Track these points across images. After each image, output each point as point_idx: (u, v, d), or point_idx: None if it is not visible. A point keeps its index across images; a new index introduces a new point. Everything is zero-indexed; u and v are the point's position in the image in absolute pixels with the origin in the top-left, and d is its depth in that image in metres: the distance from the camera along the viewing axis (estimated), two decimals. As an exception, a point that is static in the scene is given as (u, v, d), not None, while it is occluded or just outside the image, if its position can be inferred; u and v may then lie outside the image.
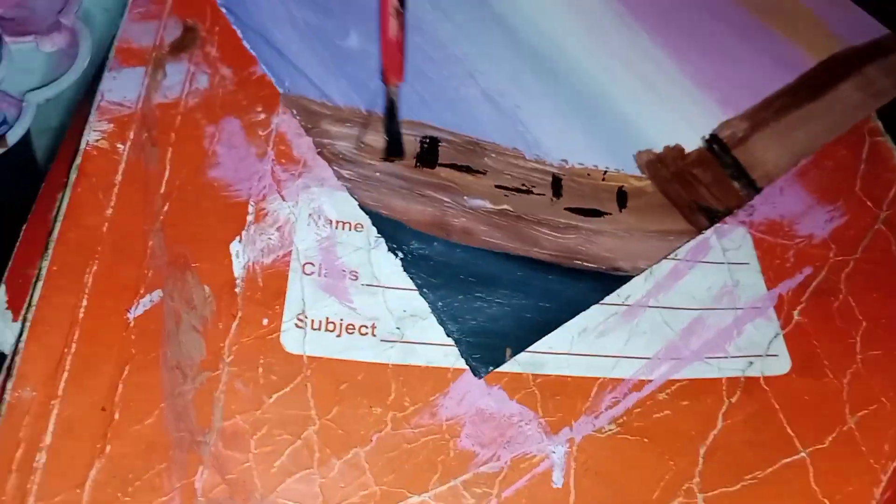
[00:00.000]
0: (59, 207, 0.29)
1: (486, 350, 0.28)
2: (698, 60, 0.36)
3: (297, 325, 0.27)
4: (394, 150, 0.31)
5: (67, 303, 0.27)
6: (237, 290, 0.28)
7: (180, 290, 0.28)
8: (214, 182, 0.30)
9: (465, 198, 0.31)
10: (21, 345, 0.26)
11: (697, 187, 0.32)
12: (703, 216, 0.32)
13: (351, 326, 0.28)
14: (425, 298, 0.28)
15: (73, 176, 0.29)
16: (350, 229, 0.30)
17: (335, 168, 0.30)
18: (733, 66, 0.36)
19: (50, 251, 0.28)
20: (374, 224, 0.30)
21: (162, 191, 0.29)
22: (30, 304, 0.27)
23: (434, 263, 0.29)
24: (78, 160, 0.30)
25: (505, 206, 0.31)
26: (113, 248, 0.28)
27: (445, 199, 0.30)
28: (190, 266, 0.28)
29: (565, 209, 0.31)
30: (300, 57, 0.33)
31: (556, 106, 0.34)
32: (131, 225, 0.29)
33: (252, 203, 0.30)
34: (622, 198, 0.32)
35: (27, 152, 0.35)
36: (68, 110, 0.35)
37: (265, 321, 0.27)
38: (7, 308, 0.29)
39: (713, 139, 0.34)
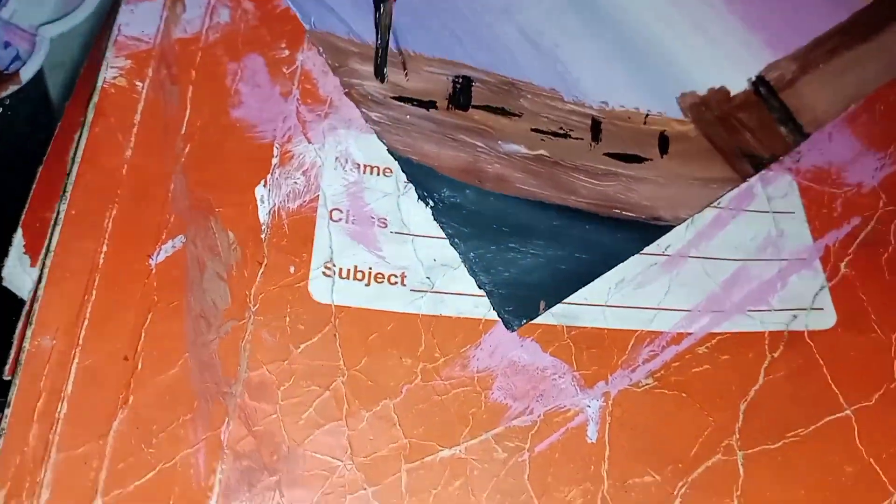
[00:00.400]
0: (77, 148, 0.28)
1: (518, 302, 0.27)
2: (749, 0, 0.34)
3: (324, 274, 0.26)
4: (379, 68, 0.29)
5: (87, 248, 0.26)
6: (262, 236, 0.27)
7: (203, 235, 0.27)
8: (237, 123, 0.29)
9: (500, 142, 0.29)
10: (40, 291, 0.25)
11: (742, 132, 0.31)
12: (748, 163, 0.30)
13: (380, 276, 0.27)
14: (456, 249, 0.27)
15: (90, 115, 0.28)
16: (378, 174, 0.29)
17: (363, 110, 0.29)
18: (783, 3, 0.34)
19: (68, 194, 0.27)
20: (403, 170, 0.28)
21: (183, 132, 0.28)
22: (48, 250, 0.26)
23: (466, 212, 0.28)
24: (95, 98, 0.28)
25: (541, 152, 0.29)
26: (133, 192, 0.27)
27: (479, 143, 0.29)
28: (213, 211, 0.27)
29: (604, 154, 0.30)
30: None
31: (597, 44, 0.32)
32: (151, 167, 0.28)
33: (277, 145, 0.28)
34: (664, 143, 0.30)
35: (41, 90, 0.33)
36: (83, 45, 0.34)
37: (292, 269, 0.26)
38: (25, 252, 0.28)
39: (760, 81, 0.32)
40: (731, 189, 0.30)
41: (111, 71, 0.29)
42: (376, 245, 0.27)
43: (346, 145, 0.29)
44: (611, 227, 0.28)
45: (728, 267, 0.29)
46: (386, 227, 0.28)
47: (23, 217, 0.29)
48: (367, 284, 0.27)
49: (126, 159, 0.28)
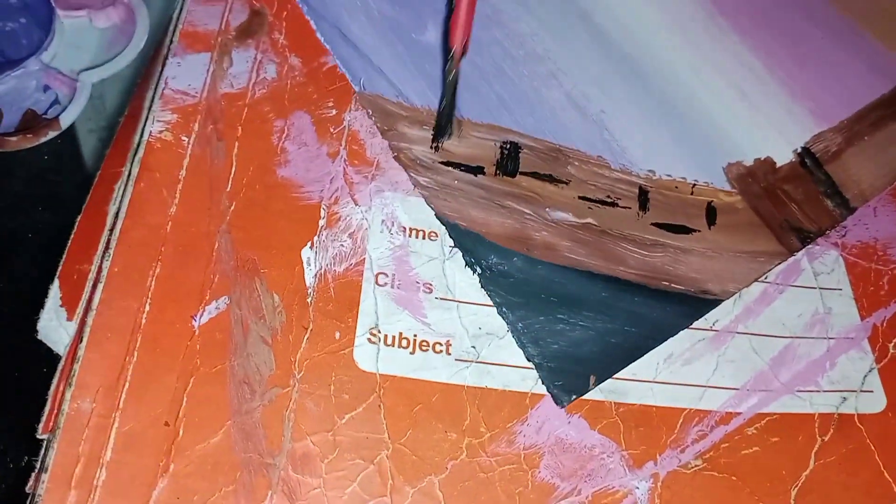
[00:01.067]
0: (120, 203, 0.27)
1: (568, 377, 0.26)
2: (791, 66, 0.34)
3: (369, 341, 0.26)
4: (442, 127, 0.29)
5: (129, 307, 0.25)
6: (308, 300, 0.26)
7: (248, 297, 0.26)
8: (284, 182, 0.28)
9: (548, 210, 0.29)
10: (80, 352, 0.25)
11: (788, 205, 0.31)
12: (795, 237, 0.30)
13: (425, 343, 0.26)
14: (504, 318, 0.27)
15: (134, 169, 0.28)
16: (424, 238, 0.28)
17: (412, 174, 0.29)
18: (826, 73, 0.34)
19: (111, 251, 0.26)
20: (451, 236, 0.28)
21: (228, 189, 0.28)
22: (89, 308, 0.25)
23: (514, 280, 0.27)
24: (140, 153, 0.28)
25: (589, 220, 0.29)
26: (177, 250, 0.27)
27: (526, 210, 0.29)
28: (259, 272, 0.26)
29: (652, 224, 0.29)
30: (376, 52, 0.31)
31: (643, 111, 0.32)
32: (196, 225, 0.27)
33: (324, 207, 0.28)
34: (711, 214, 0.30)
35: (79, 137, 0.33)
36: (124, 93, 0.33)
37: (337, 335, 0.26)
38: (61, 306, 0.27)
39: (805, 153, 0.32)
40: (779, 264, 0.29)
41: (157, 125, 0.29)
42: (421, 311, 0.27)
43: (393, 208, 0.28)
44: (659, 299, 0.28)
45: (776, 344, 0.28)
46: (431, 292, 0.27)
47: (60, 268, 0.28)
48: (412, 352, 0.26)
49: (170, 216, 0.27)
